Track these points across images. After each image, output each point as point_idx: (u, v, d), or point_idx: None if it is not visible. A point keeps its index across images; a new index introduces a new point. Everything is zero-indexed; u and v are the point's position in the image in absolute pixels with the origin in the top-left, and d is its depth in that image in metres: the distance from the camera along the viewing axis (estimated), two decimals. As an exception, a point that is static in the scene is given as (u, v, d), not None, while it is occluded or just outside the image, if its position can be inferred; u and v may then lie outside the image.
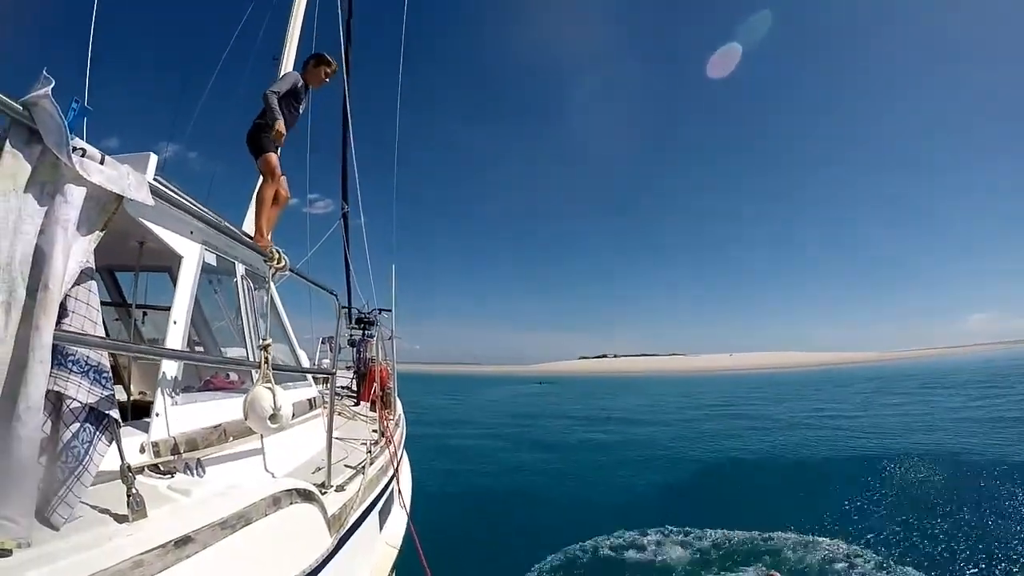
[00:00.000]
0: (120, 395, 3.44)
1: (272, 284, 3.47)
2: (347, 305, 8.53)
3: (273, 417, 2.53)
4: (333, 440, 3.49)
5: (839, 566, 7.51)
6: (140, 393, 3.65)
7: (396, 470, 5.25)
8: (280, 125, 3.91)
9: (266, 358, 2.62)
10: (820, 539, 8.46)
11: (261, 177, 4.10)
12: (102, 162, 1.54)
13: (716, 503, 11.28)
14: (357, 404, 7.27)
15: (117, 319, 4.48)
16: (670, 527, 9.18)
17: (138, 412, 2.71)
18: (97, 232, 1.57)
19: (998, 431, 17.37)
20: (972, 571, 7.32)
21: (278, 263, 3.27)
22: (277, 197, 4.10)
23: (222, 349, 3.80)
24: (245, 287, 3.39)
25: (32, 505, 1.34)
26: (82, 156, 1.46)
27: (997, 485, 10.99)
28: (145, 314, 4.21)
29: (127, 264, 3.86)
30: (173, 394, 2.43)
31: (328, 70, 4.49)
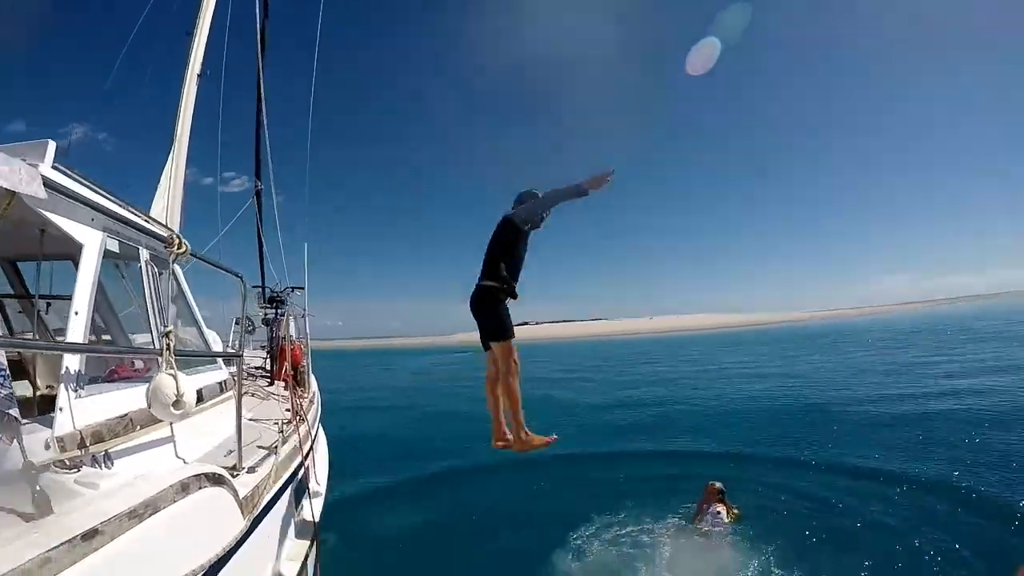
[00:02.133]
0: (27, 390, 3.32)
1: (179, 268, 3.38)
2: (261, 284, 8.33)
3: (177, 403, 2.51)
4: (246, 422, 3.51)
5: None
6: (47, 387, 3.49)
7: (311, 449, 5.30)
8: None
9: (168, 344, 2.60)
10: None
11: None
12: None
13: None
14: (271, 384, 7.15)
15: (21, 311, 4.28)
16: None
17: (46, 406, 2.65)
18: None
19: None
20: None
21: (179, 249, 3.19)
22: None
23: (130, 336, 3.69)
24: (150, 272, 3.31)
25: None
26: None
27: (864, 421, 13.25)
28: (49, 304, 4.03)
29: (29, 253, 3.69)
30: (77, 387, 2.41)
31: None
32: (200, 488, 2.40)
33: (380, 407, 22.77)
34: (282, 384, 6.71)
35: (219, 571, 2.46)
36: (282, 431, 4.43)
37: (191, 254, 3.32)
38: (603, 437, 14.05)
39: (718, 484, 7.28)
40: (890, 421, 13.03)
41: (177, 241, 3.19)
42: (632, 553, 6.36)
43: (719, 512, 6.91)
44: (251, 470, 3.40)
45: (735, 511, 7.07)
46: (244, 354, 6.94)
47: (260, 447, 3.97)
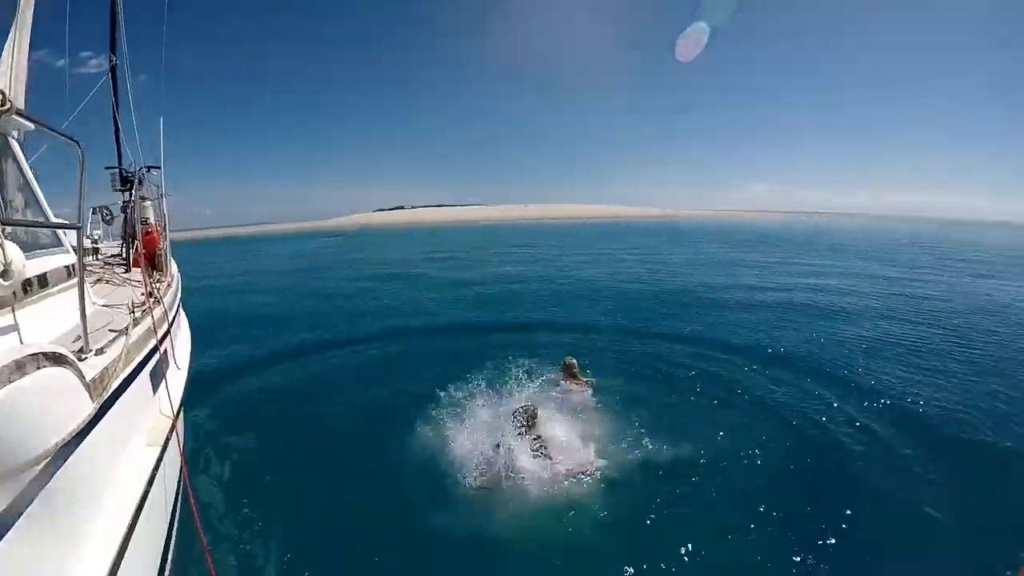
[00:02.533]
0: None
1: (15, 143, 2.89)
2: (117, 166, 7.53)
3: (5, 274, 2.24)
4: (98, 307, 3.17)
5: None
6: None
7: (168, 330, 4.94)
8: None
9: None
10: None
11: None
12: None
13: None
14: (128, 271, 6.58)
15: None
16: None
17: None
18: None
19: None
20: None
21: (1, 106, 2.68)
22: None
23: None
24: None
25: None
26: None
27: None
28: None
29: None
30: None
31: None
32: (39, 368, 2.14)
33: (246, 290, 21.97)
34: (139, 271, 6.22)
35: (68, 457, 2.29)
36: (132, 311, 4.04)
37: (17, 112, 2.90)
38: (471, 311, 15.24)
39: (571, 359, 8.07)
40: (740, 305, 15.40)
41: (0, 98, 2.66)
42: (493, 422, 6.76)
43: (575, 383, 7.73)
44: (100, 352, 3.09)
45: (591, 381, 7.92)
46: (92, 236, 6.37)
47: (111, 330, 3.63)
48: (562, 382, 7.83)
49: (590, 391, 7.65)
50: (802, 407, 7.55)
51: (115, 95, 6.84)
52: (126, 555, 2.61)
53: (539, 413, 6.35)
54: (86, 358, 2.93)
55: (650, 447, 6.02)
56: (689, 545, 4.53)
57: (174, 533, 3.97)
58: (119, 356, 3.23)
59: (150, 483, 3.18)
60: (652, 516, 4.98)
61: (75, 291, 3.60)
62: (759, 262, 27.90)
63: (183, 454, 4.04)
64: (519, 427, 5.99)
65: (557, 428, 6.21)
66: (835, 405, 7.55)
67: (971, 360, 9.84)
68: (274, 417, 7.61)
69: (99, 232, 7.88)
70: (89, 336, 3.08)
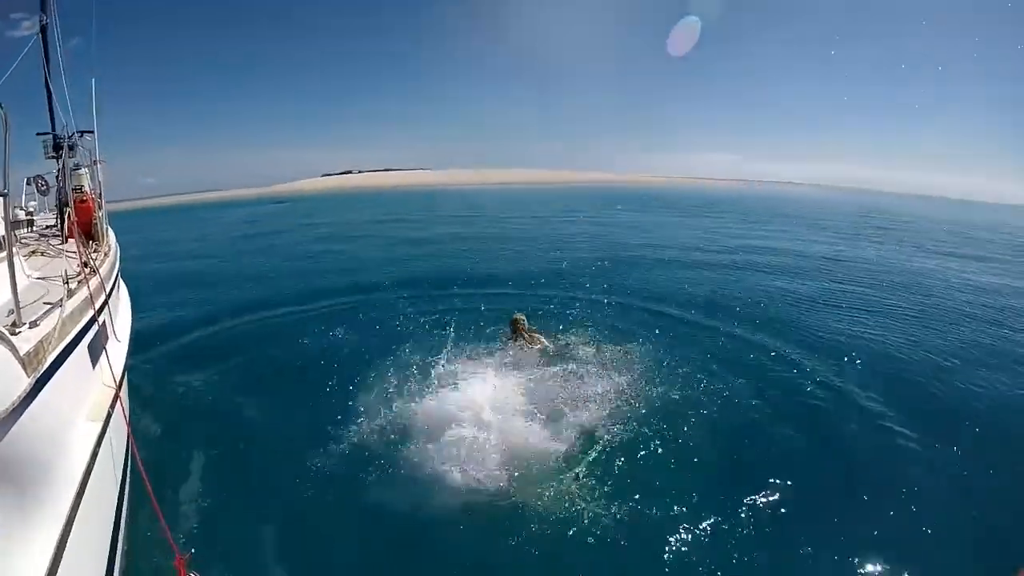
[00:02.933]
0: None
1: None
2: (51, 131, 6.97)
3: None
4: (32, 280, 3.03)
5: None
6: None
7: (106, 302, 4.76)
8: None
9: None
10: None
11: None
12: None
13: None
14: (64, 243, 6.30)
15: None
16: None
17: None
18: None
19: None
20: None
21: None
22: None
23: None
24: None
25: None
26: None
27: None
28: None
29: None
30: None
31: None
32: None
33: (188, 257, 21.12)
34: (75, 241, 5.94)
35: (4, 435, 2.24)
36: (67, 282, 3.88)
37: None
38: (411, 275, 14.95)
39: (520, 315, 8.02)
40: (685, 266, 16.04)
41: None
42: (455, 371, 6.77)
43: (525, 338, 7.70)
44: (33, 324, 2.98)
45: (539, 335, 7.92)
46: (26, 208, 6.12)
47: (46, 303, 3.50)
48: (510, 340, 7.78)
49: (543, 346, 7.66)
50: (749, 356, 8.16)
51: (46, 56, 6.35)
52: (73, 529, 2.59)
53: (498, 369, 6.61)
54: (19, 332, 2.83)
55: (603, 401, 6.20)
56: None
57: (124, 506, 3.93)
58: (54, 329, 3.13)
59: (93, 457, 3.13)
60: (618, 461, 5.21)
61: (4, 263, 3.43)
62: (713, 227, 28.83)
63: (128, 426, 3.96)
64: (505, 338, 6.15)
65: (509, 387, 6.31)
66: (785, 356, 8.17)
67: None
68: (226, 378, 7.44)
69: (35, 203, 7.42)
70: (22, 310, 2.97)
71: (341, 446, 5.56)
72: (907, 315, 10.92)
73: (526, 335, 7.76)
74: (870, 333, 9.56)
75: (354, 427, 5.82)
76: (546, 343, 7.80)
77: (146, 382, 7.23)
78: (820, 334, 9.35)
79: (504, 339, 7.92)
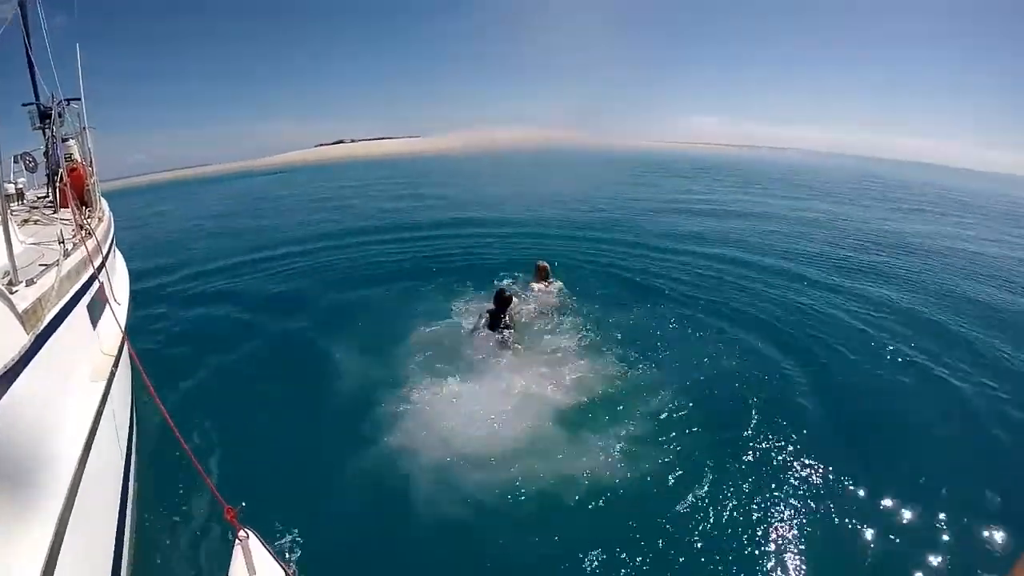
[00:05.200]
0: None
1: None
2: (34, 101, 6.82)
3: None
4: (28, 245, 2.97)
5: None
6: None
7: (103, 263, 4.72)
8: None
9: None
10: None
11: None
12: None
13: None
14: (56, 212, 6.25)
15: None
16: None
17: None
18: None
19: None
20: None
21: None
22: None
23: None
24: None
25: None
26: None
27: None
28: None
29: None
30: None
31: None
32: None
33: (183, 228, 20.88)
34: (67, 209, 5.87)
35: (4, 392, 2.21)
36: (62, 242, 3.81)
37: None
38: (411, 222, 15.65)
39: (543, 263, 8.40)
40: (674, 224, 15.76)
41: None
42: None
43: (547, 285, 8.16)
44: (31, 282, 2.94)
45: (559, 284, 8.32)
46: (16, 183, 6.12)
47: (42, 264, 3.46)
48: (534, 284, 8.20)
49: (556, 291, 8.12)
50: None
51: (25, 25, 6.15)
52: (80, 489, 2.57)
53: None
54: (17, 290, 2.79)
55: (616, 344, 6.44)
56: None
57: (132, 465, 3.95)
58: (52, 287, 3.09)
59: (98, 417, 3.12)
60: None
61: None
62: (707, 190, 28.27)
63: (132, 388, 3.96)
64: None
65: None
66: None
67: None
68: (230, 336, 7.44)
69: (23, 180, 7.30)
70: (18, 271, 2.92)
71: (348, 389, 5.65)
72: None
73: (545, 283, 8.21)
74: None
75: (366, 367, 5.97)
76: (562, 286, 8.27)
77: (145, 347, 7.16)
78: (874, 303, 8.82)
79: (526, 287, 8.23)
